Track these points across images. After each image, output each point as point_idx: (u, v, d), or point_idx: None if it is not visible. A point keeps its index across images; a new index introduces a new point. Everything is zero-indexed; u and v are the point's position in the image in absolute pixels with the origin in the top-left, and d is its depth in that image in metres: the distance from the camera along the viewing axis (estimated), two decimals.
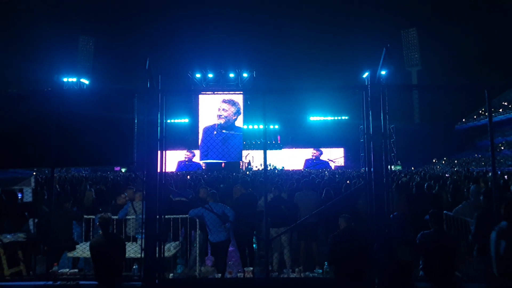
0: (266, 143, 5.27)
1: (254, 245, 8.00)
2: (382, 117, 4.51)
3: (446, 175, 14.74)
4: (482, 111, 56.63)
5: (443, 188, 10.21)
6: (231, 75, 42.23)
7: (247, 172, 32.33)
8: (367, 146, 4.62)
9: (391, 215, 4.81)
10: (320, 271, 5.58)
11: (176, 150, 42.61)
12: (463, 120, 63.21)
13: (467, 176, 14.48)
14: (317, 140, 47.17)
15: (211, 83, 41.95)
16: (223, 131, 36.41)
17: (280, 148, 47.94)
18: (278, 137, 49.54)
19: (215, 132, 36.19)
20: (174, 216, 6.92)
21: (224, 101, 36.08)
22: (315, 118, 50.85)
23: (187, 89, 37.98)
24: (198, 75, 41.69)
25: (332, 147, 46.72)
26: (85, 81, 53.31)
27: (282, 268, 7.13)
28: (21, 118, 4.80)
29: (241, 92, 36.70)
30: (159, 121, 4.85)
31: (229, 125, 36.70)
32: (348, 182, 11.44)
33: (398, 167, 41.71)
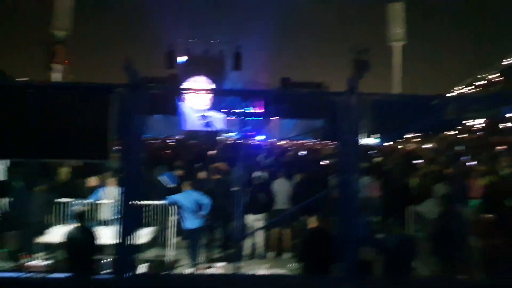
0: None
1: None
2: (355, 126, 4.60)
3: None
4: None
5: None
6: None
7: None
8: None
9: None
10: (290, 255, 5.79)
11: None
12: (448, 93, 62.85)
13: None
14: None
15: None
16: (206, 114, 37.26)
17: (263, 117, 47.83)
18: (259, 107, 49.22)
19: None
20: (151, 202, 7.06)
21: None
22: None
23: (166, 86, 37.37)
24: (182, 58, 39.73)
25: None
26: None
27: (254, 253, 7.49)
28: None
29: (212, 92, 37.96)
30: (137, 115, 4.83)
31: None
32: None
33: (377, 140, 42.26)
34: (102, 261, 5.81)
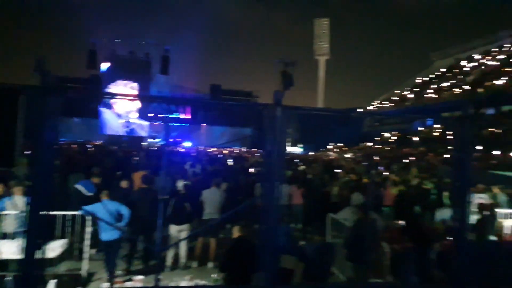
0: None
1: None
2: (280, 137, 4.69)
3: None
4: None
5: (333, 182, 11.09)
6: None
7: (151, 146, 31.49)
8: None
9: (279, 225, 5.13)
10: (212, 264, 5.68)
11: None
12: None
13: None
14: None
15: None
16: (130, 120, 36.14)
17: (190, 124, 47.29)
18: (186, 113, 48.51)
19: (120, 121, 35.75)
20: (64, 212, 6.55)
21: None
22: None
23: (86, 89, 35.60)
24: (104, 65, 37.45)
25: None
26: None
27: (177, 264, 7.27)
28: None
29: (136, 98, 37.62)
30: (49, 119, 4.45)
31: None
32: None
33: (300, 149, 43.87)
34: (4, 279, 5.26)
